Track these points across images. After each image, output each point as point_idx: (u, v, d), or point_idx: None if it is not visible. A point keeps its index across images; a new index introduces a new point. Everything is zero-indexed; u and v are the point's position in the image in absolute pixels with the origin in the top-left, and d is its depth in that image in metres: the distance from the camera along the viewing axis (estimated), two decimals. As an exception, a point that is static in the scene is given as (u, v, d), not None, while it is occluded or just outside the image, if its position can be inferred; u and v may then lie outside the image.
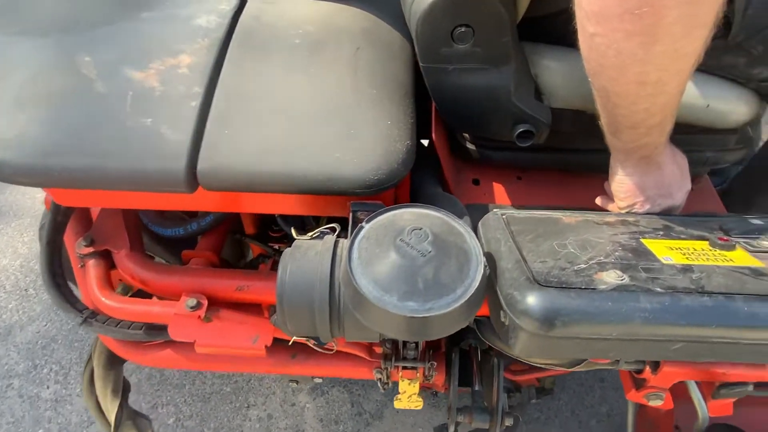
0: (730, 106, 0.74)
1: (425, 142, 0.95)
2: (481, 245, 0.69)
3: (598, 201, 0.80)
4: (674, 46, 0.50)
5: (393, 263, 0.55)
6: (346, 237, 0.69)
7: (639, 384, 0.83)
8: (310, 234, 0.71)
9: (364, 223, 0.61)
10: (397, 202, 0.87)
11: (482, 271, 0.56)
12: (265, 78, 0.73)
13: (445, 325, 0.54)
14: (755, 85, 0.73)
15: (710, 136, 0.84)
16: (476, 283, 0.55)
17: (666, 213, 0.74)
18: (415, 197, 0.88)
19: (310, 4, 0.85)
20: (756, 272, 0.58)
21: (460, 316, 0.55)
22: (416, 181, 0.90)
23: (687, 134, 0.80)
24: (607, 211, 0.79)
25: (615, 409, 1.49)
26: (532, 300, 0.53)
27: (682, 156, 0.73)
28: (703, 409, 0.89)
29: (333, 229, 0.72)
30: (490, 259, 0.63)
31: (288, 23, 0.82)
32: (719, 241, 0.63)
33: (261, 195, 0.73)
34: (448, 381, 0.95)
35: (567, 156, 0.90)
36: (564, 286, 0.54)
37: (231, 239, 1.06)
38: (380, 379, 0.91)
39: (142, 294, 0.91)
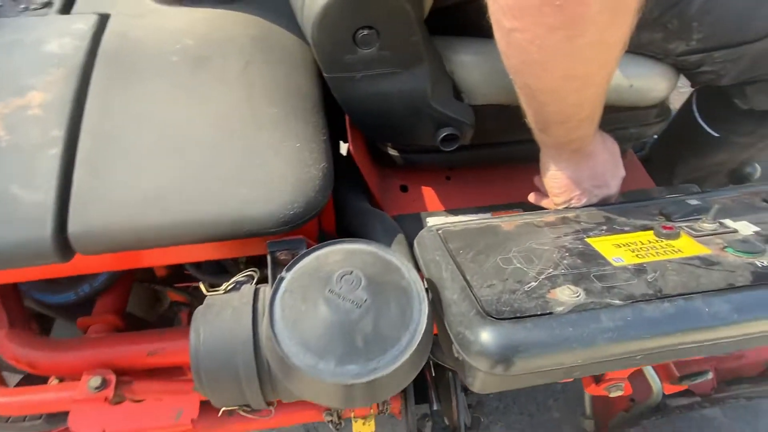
0: (652, 83, 0.72)
1: (345, 147, 0.86)
2: (420, 268, 0.62)
3: (532, 198, 0.75)
4: (601, 37, 0.44)
5: (324, 321, 0.46)
6: (267, 281, 0.59)
7: (598, 378, 0.80)
8: (224, 286, 0.61)
9: (284, 272, 0.51)
10: (321, 226, 0.78)
11: (427, 310, 0.48)
12: (140, 109, 0.61)
13: (395, 382, 0.47)
14: (672, 60, 0.71)
15: (633, 112, 0.82)
16: (422, 327, 0.47)
17: (603, 203, 0.71)
18: (341, 215, 0.79)
19: (186, 13, 0.73)
20: (706, 262, 0.55)
21: (411, 367, 0.47)
22: (340, 196, 0.82)
23: (610, 114, 0.77)
24: (542, 207, 0.75)
25: (569, 385, 1.50)
26: (486, 338, 0.46)
27: (612, 141, 0.70)
28: (657, 384, 0.88)
29: (251, 276, 0.62)
30: (433, 288, 0.56)
31: (162, 39, 0.69)
32: (664, 231, 0.60)
33: (157, 249, 0.61)
34: (404, 408, 0.88)
35: (494, 150, 0.85)
36: (518, 315, 0.48)
37: (138, 289, 0.92)
38: (331, 420, 0.82)
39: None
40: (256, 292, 0.58)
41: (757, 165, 0.78)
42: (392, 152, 0.83)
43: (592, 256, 0.57)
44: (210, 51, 0.68)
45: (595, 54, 0.46)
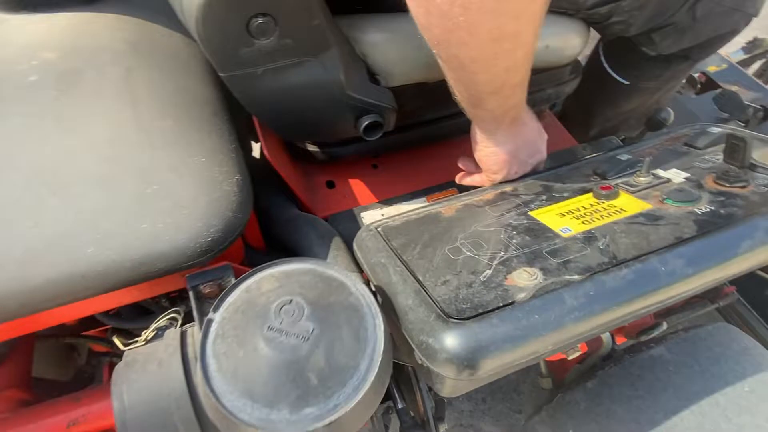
0: (565, 41, 0.70)
1: (259, 147, 0.78)
2: (365, 273, 0.57)
3: (459, 179, 0.71)
4: None
5: (268, 364, 0.40)
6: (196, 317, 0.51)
7: (556, 345, 0.80)
8: (143, 336, 0.52)
9: (212, 313, 0.44)
10: (247, 242, 0.70)
11: (382, 325, 0.43)
12: (-2, 145, 0.50)
13: (361, 413, 0.41)
14: (583, 15, 0.70)
15: (549, 73, 0.81)
16: (380, 345, 0.42)
17: (535, 170, 0.69)
18: (269, 226, 0.72)
19: (40, 21, 0.61)
20: (650, 218, 0.54)
21: (375, 393, 0.42)
22: (264, 205, 0.74)
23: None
24: (474, 186, 0.72)
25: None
26: (452, 343, 0.42)
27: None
28: (608, 337, 0.90)
29: (173, 319, 0.54)
30: (384, 294, 0.51)
31: (15, 54, 0.57)
32: (603, 191, 0.59)
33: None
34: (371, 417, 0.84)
35: (419, 131, 0.80)
36: (480, 311, 0.44)
37: (43, 347, 0.79)
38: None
39: None
40: (183, 337, 0.50)
41: (669, 110, 0.80)
42: (312, 148, 0.77)
43: (540, 231, 0.54)
44: (78, 63, 0.57)
45: (523, 6, 0.42)
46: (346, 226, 0.74)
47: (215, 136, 0.55)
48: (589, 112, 1.05)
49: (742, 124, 1.36)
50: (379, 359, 0.41)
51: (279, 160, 0.68)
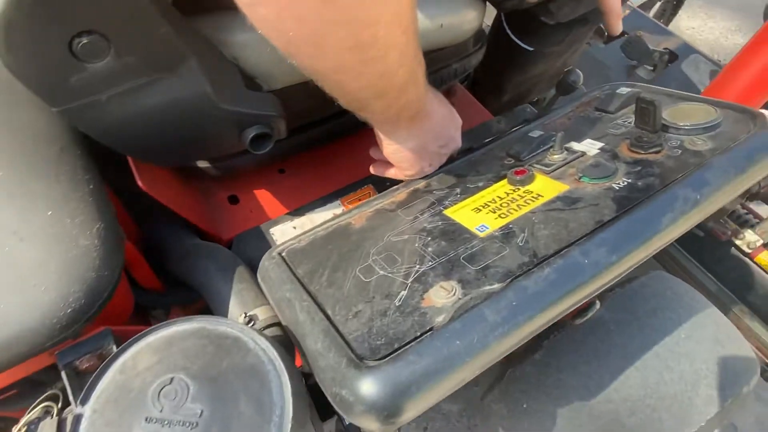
0: (461, 17, 0.64)
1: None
2: (272, 306, 0.51)
3: (374, 170, 0.65)
4: None
5: (151, 464, 0.33)
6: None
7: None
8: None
9: (78, 407, 0.36)
10: (139, 284, 0.62)
11: (289, 384, 0.37)
12: None
13: (276, 492, 0.36)
14: (475, -15, 0.64)
15: (450, 49, 0.75)
16: (288, 410, 0.36)
17: (450, 159, 0.64)
18: (162, 261, 0.63)
19: None
20: (568, 201, 0.50)
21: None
22: (156, 236, 0.65)
23: (427, 57, 0.69)
24: (389, 178, 0.66)
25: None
26: (368, 392, 0.37)
27: (434, 90, 0.62)
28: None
29: (53, 401, 0.46)
30: (293, 336, 0.45)
31: None
32: (517, 177, 0.54)
33: None
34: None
35: (324, 127, 0.73)
36: (397, 346, 0.39)
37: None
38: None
39: None
40: (60, 427, 0.42)
41: (578, 71, 0.77)
42: (203, 165, 0.68)
43: (456, 232, 0.50)
44: None
45: (378, 11, 0.35)
46: (255, 246, 0.67)
47: (64, 179, 0.46)
48: (499, 80, 1.01)
49: (650, 68, 1.38)
50: (289, 425, 0.36)
51: (158, 186, 0.59)
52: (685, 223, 0.48)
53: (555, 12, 0.74)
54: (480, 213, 0.52)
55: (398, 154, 0.56)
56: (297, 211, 0.71)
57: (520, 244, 0.46)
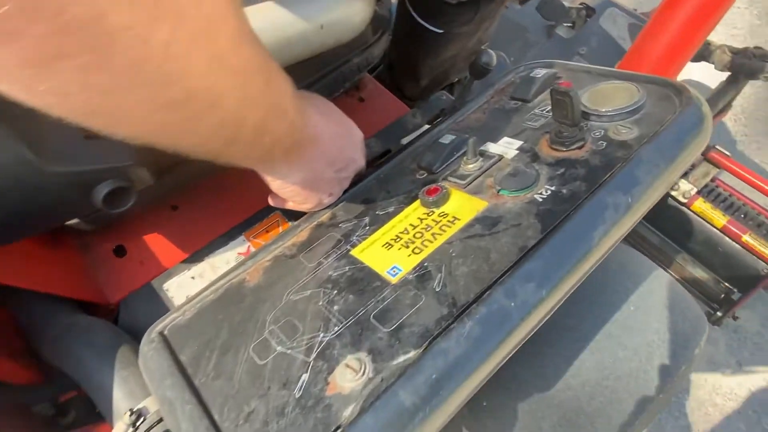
0: (345, 10, 0.55)
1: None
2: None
3: (272, 202, 0.56)
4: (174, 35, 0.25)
5: None
6: None
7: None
8: None
9: None
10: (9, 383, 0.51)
11: None
12: None
13: None
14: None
15: (344, 45, 0.66)
16: None
17: (357, 178, 0.56)
18: (34, 343, 0.53)
19: None
20: (487, 223, 0.43)
21: None
22: (23, 314, 0.54)
23: (319, 59, 0.60)
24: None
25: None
26: None
27: (325, 102, 0.53)
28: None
29: None
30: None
31: None
32: (430, 198, 0.47)
33: None
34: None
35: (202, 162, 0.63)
36: (297, 459, 0.31)
37: None
38: None
39: None
40: None
41: (491, 52, 0.70)
42: (72, 221, 0.57)
43: (365, 280, 0.42)
44: None
45: (183, 58, 0.26)
46: (146, 311, 0.57)
47: None
48: (413, 65, 0.93)
49: (569, 26, 1.33)
50: None
51: (5, 265, 0.48)
52: (618, 232, 0.42)
53: (455, -9, 0.67)
54: (391, 250, 0.44)
55: (285, 189, 0.48)
56: (195, 257, 0.62)
57: (437, 290, 0.39)
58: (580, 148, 0.48)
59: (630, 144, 0.47)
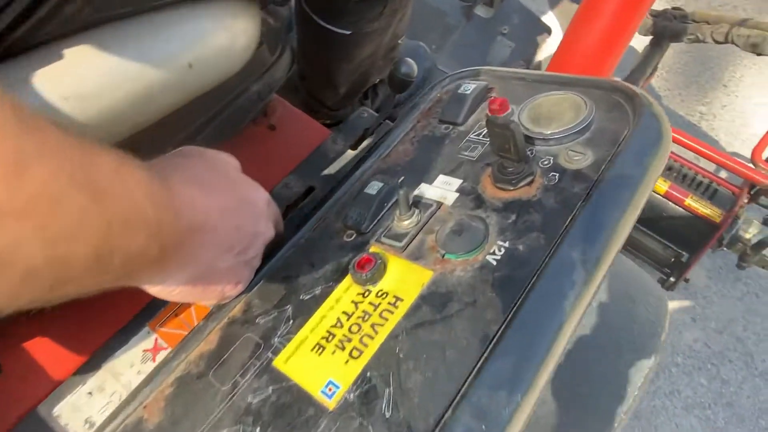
0: (220, 36, 0.44)
1: None
2: None
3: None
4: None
5: None
6: None
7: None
8: None
9: None
10: None
11: None
12: None
13: None
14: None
15: (238, 72, 0.55)
16: None
17: (268, 250, 0.46)
18: None
19: None
20: (435, 303, 0.35)
21: None
22: None
23: (201, 100, 0.49)
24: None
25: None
26: None
27: (224, 160, 0.43)
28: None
29: None
30: None
31: None
32: (364, 273, 0.38)
33: None
34: None
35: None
36: None
37: None
38: None
39: None
40: None
41: (410, 61, 0.61)
42: None
43: (295, 408, 0.33)
44: None
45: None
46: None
47: None
48: (327, 72, 0.83)
49: (487, 5, 1.26)
50: None
51: None
52: (590, 291, 0.35)
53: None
54: (324, 355, 0.35)
55: (170, 294, 0.37)
56: (90, 364, 0.50)
57: (387, 416, 0.30)
58: (529, 184, 0.40)
59: (586, 174, 0.40)
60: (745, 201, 1.18)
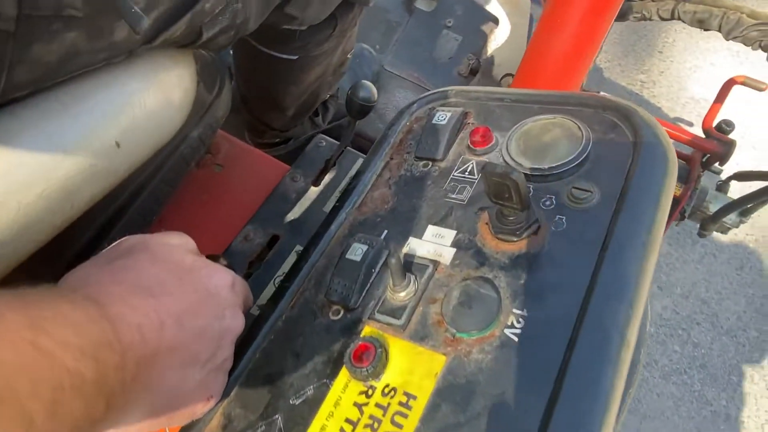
0: (150, 98, 0.36)
1: None
2: None
3: None
4: None
5: None
6: None
7: None
8: None
9: None
10: None
11: None
12: None
13: None
14: (155, 50, 0.35)
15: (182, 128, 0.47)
16: None
17: (238, 343, 0.39)
18: None
19: None
20: (456, 400, 0.30)
21: None
22: None
23: (142, 173, 0.41)
24: None
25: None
26: None
27: (174, 246, 0.35)
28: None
29: None
30: None
31: None
32: (362, 368, 0.32)
33: None
34: None
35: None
36: None
37: None
38: None
39: None
40: None
41: (367, 84, 0.54)
42: None
43: None
44: None
45: None
46: None
47: None
48: (273, 97, 0.75)
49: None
50: None
51: None
52: (626, 362, 0.31)
53: (300, 16, 0.50)
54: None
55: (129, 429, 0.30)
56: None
57: None
58: (535, 233, 0.36)
59: (596, 215, 0.35)
60: (701, 171, 1.20)
